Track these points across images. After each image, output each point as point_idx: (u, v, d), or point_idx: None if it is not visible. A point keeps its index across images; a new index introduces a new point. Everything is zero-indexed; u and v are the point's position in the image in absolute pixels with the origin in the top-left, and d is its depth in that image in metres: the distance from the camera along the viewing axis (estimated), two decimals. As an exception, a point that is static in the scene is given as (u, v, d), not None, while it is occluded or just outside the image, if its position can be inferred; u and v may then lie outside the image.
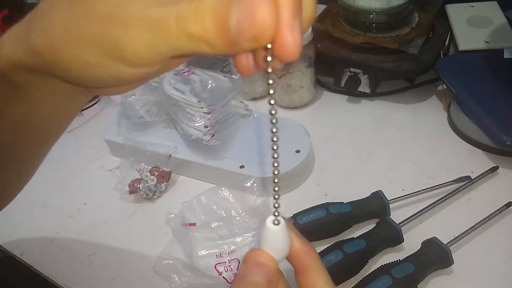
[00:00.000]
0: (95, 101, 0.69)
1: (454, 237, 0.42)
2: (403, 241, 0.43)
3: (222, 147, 0.52)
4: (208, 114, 0.50)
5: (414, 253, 0.41)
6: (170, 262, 0.44)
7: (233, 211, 0.47)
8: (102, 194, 0.55)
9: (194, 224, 0.46)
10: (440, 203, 0.46)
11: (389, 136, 0.58)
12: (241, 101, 0.57)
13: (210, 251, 0.45)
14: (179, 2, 0.17)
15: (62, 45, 0.19)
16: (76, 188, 0.57)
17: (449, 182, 0.49)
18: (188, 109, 0.51)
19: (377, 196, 0.46)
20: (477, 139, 0.53)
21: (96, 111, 0.69)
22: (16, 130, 0.26)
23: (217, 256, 0.45)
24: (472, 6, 0.65)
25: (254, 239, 0.45)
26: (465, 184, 0.48)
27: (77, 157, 0.61)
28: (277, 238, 0.23)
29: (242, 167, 0.50)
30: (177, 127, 0.55)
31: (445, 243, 0.41)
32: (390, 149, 0.56)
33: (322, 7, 0.69)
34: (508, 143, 0.48)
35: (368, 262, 0.42)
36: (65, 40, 0.19)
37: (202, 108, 0.50)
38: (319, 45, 0.62)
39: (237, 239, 0.45)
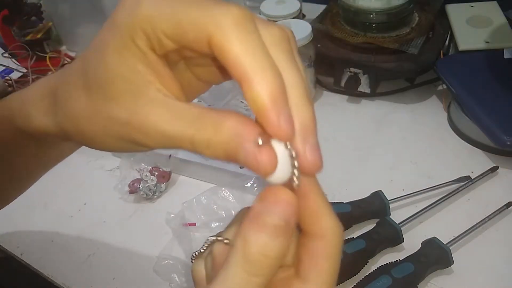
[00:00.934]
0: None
1: (454, 237, 0.42)
2: (403, 241, 0.43)
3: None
4: (208, 114, 0.50)
5: (414, 253, 0.41)
6: (170, 262, 0.44)
7: (233, 211, 0.47)
8: (102, 194, 0.55)
9: (194, 224, 0.46)
10: (440, 203, 0.46)
11: (389, 136, 0.58)
12: (241, 101, 0.57)
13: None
14: (194, 120, 0.18)
15: (89, 133, 0.21)
16: (76, 188, 0.57)
17: (449, 182, 0.49)
18: (188, 109, 0.51)
19: (377, 196, 0.46)
20: (477, 139, 0.53)
21: (96, 111, 0.69)
22: (24, 167, 0.31)
23: None
24: (472, 6, 0.65)
25: None
26: (465, 184, 0.48)
27: (77, 157, 0.61)
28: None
29: (242, 167, 0.50)
30: (177, 127, 0.55)
31: (445, 243, 0.41)
32: (390, 149, 0.56)
33: (322, 7, 0.69)
34: (508, 143, 0.48)
35: (368, 262, 0.42)
36: (91, 131, 0.21)
37: (202, 108, 0.50)
38: (319, 45, 0.62)
39: None
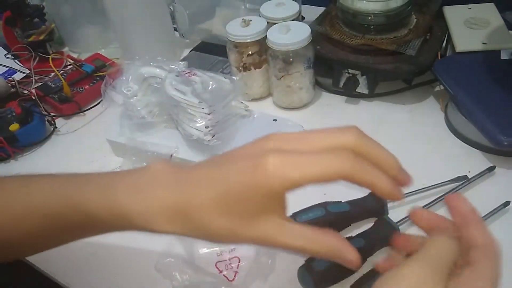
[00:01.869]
0: (97, 102, 0.70)
1: (451, 236, 0.43)
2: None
3: (223, 147, 0.53)
4: (209, 114, 0.51)
5: None
6: (172, 260, 0.45)
7: None
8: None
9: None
10: (437, 202, 0.47)
11: (387, 136, 0.58)
12: (242, 102, 0.58)
13: (210, 249, 0.46)
14: (309, 238, 0.29)
15: (220, 240, 0.29)
16: (79, 188, 0.57)
17: (446, 181, 0.49)
18: (189, 110, 0.52)
19: (375, 195, 0.47)
20: (474, 139, 0.54)
21: (99, 112, 0.69)
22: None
23: (218, 254, 0.45)
24: (470, 8, 0.65)
25: None
26: (462, 184, 0.49)
27: (80, 157, 0.62)
28: None
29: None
30: (178, 128, 0.56)
31: None
32: (388, 149, 0.56)
33: (321, 9, 0.70)
34: (505, 143, 0.48)
35: (366, 261, 0.42)
36: (222, 239, 0.29)
37: (203, 108, 0.51)
38: (318, 47, 0.62)
39: None
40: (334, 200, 0.47)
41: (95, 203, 0.31)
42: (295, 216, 0.45)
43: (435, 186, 0.49)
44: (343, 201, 0.47)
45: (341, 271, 0.41)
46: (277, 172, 0.26)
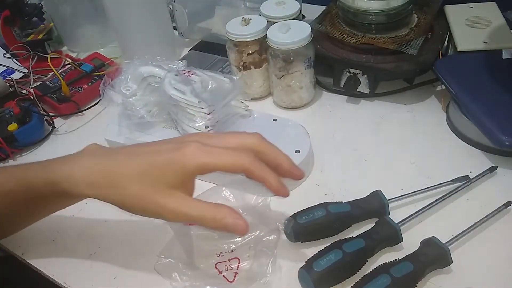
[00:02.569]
0: (96, 102, 0.70)
1: (453, 237, 0.42)
2: (402, 241, 0.43)
3: (222, 147, 0.52)
4: (208, 114, 0.51)
5: (413, 252, 0.41)
6: (171, 261, 0.44)
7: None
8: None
9: (195, 224, 0.46)
10: (439, 202, 0.47)
11: (388, 136, 0.58)
12: (241, 102, 0.58)
13: (210, 250, 0.45)
14: (203, 209, 0.35)
15: (131, 207, 0.37)
16: (77, 188, 0.57)
17: (448, 182, 0.49)
18: (188, 110, 0.51)
19: (376, 195, 0.47)
20: (476, 139, 0.54)
21: (97, 112, 0.69)
22: (46, 213, 0.46)
23: (218, 255, 0.45)
24: (471, 7, 0.65)
25: (254, 239, 0.45)
26: (464, 184, 0.48)
27: (78, 157, 0.62)
28: None
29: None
30: (177, 127, 0.55)
31: (444, 242, 0.41)
32: (389, 149, 0.56)
33: (321, 8, 0.69)
34: (507, 143, 0.48)
35: (367, 261, 0.42)
36: (133, 206, 0.36)
37: (202, 108, 0.51)
38: (318, 46, 0.62)
39: (237, 239, 0.45)
40: (335, 201, 0.47)
41: (34, 176, 0.39)
42: (296, 216, 0.45)
43: (437, 186, 0.48)
44: (343, 201, 0.47)
45: (341, 271, 0.40)
46: (193, 155, 0.34)
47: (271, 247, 0.45)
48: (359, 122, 0.61)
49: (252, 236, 0.46)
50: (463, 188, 0.48)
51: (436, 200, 0.47)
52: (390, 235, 0.43)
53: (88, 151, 0.39)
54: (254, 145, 0.36)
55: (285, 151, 0.52)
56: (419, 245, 0.42)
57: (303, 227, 0.44)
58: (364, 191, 0.48)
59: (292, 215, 0.45)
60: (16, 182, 0.40)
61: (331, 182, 0.52)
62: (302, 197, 0.51)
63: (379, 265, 0.41)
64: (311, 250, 0.44)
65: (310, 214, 0.44)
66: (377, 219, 0.45)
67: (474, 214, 0.45)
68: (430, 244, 0.41)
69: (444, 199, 0.47)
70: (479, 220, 0.44)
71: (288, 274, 0.43)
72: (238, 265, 0.44)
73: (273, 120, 0.56)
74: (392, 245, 0.44)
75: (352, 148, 0.57)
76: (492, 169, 0.50)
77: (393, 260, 0.41)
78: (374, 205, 0.46)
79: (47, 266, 0.47)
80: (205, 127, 0.51)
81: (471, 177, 0.49)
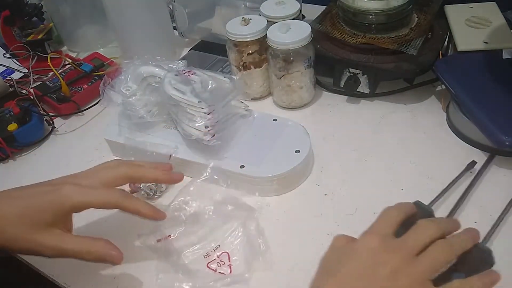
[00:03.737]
0: (96, 102, 0.70)
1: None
2: None
3: (223, 147, 0.52)
4: (208, 114, 0.51)
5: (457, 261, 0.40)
6: (170, 274, 0.44)
7: (200, 212, 0.48)
8: (103, 194, 0.55)
9: (169, 237, 0.46)
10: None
11: (388, 136, 0.58)
12: (241, 102, 0.58)
13: (196, 254, 0.46)
14: (78, 243, 0.40)
15: (15, 247, 0.39)
16: (77, 188, 0.57)
17: (457, 176, 0.49)
18: (188, 110, 0.51)
19: (419, 207, 0.43)
20: (476, 139, 0.54)
21: (97, 112, 0.69)
22: None
23: (205, 256, 0.45)
24: (471, 7, 0.65)
25: (235, 229, 0.47)
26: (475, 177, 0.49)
27: (78, 157, 0.62)
28: None
29: (242, 167, 0.51)
30: (177, 127, 0.55)
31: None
32: (389, 149, 0.56)
33: (321, 8, 0.69)
34: (507, 143, 0.48)
35: None
36: (18, 247, 0.39)
37: (202, 108, 0.50)
38: (318, 46, 0.62)
39: (216, 235, 0.46)
40: (334, 201, 0.46)
41: None
42: None
43: (450, 185, 0.48)
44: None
45: None
46: (69, 195, 0.38)
47: (256, 227, 0.46)
48: (359, 122, 0.61)
49: (233, 228, 0.47)
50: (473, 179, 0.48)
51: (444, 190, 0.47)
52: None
53: None
54: (124, 172, 0.42)
55: (285, 151, 0.52)
56: None
57: None
58: (364, 191, 0.48)
59: None
60: None
61: (331, 182, 0.52)
62: (302, 197, 0.51)
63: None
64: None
65: None
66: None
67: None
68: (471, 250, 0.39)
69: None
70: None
71: (282, 248, 0.44)
72: (229, 258, 0.45)
73: (273, 120, 0.56)
74: None
75: (352, 148, 0.57)
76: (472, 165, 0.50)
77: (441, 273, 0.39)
78: (421, 217, 0.43)
79: (46, 266, 0.47)
80: (205, 127, 0.51)
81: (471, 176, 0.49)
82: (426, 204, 0.45)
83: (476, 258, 0.39)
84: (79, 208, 0.39)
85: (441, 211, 0.46)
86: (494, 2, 0.65)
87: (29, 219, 0.38)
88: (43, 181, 0.42)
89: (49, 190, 0.39)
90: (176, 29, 0.79)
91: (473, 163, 0.50)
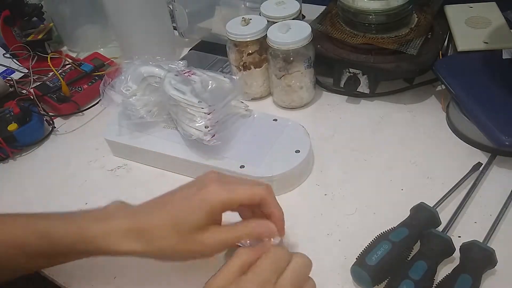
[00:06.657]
0: (96, 102, 0.70)
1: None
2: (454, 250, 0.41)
3: (223, 147, 0.52)
4: (208, 114, 0.51)
5: (461, 263, 0.40)
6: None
7: None
8: (103, 194, 0.55)
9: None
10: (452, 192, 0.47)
11: (388, 136, 0.58)
12: (242, 102, 0.58)
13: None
14: (238, 231, 0.38)
15: (172, 257, 0.39)
16: (78, 188, 0.57)
17: (463, 177, 0.49)
18: (188, 110, 0.51)
19: (423, 209, 0.44)
20: (476, 139, 0.54)
21: (97, 112, 0.69)
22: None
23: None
24: (471, 7, 0.65)
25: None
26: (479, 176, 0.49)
27: (79, 157, 0.62)
28: None
29: (242, 167, 0.51)
30: (177, 127, 0.55)
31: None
32: (389, 149, 0.56)
33: (321, 8, 0.69)
34: (507, 143, 0.48)
35: (413, 249, 0.42)
36: (175, 256, 0.38)
37: (202, 108, 0.51)
38: (318, 46, 0.62)
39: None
40: (335, 200, 0.46)
41: (60, 232, 0.38)
42: (362, 259, 0.40)
43: (455, 187, 0.48)
44: (394, 226, 0.43)
45: (393, 261, 0.39)
46: (216, 193, 0.37)
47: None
48: (359, 122, 0.61)
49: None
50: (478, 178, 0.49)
51: (450, 191, 0.47)
52: (445, 247, 0.41)
53: (118, 208, 0.39)
54: (261, 195, 0.39)
55: (285, 151, 0.52)
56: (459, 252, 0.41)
57: (378, 268, 0.39)
58: (364, 191, 0.48)
59: (356, 258, 0.41)
60: (38, 236, 0.38)
61: (331, 182, 0.52)
62: (302, 198, 0.51)
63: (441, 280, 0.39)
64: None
65: (377, 251, 0.40)
66: (428, 232, 0.42)
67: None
68: (472, 248, 0.40)
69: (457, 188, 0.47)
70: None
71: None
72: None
73: (273, 120, 0.56)
74: (447, 258, 0.42)
75: (352, 148, 0.57)
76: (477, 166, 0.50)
77: (447, 275, 0.39)
78: (426, 219, 0.44)
79: (47, 266, 0.47)
80: (205, 127, 0.51)
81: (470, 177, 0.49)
82: (431, 205, 0.45)
83: (479, 258, 0.39)
84: (228, 205, 0.38)
85: (445, 213, 0.46)
86: (494, 2, 0.65)
87: (184, 223, 0.36)
88: (185, 184, 0.40)
89: (196, 191, 0.38)
90: (176, 29, 0.79)
91: (479, 164, 0.50)
